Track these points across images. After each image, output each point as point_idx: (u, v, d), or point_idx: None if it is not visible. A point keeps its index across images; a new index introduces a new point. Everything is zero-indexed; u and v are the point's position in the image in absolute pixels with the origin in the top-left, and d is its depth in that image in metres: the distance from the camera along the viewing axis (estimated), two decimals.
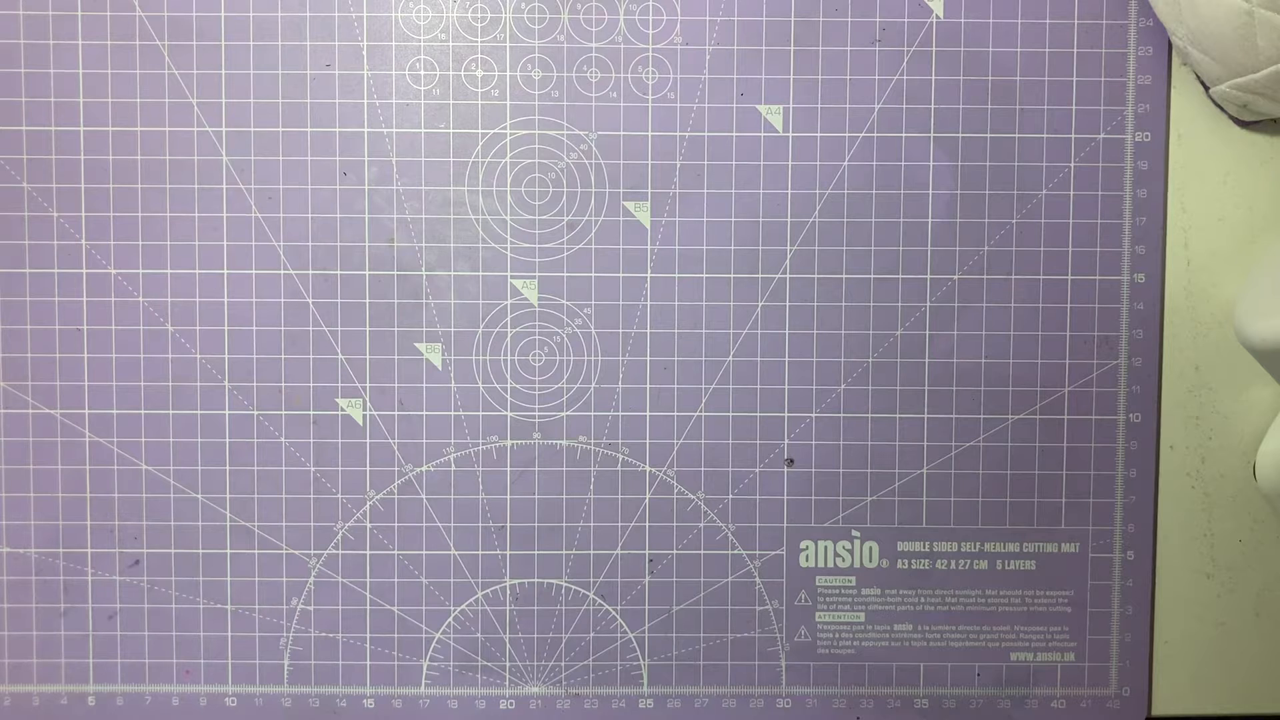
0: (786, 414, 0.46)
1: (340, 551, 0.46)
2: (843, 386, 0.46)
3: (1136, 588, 0.46)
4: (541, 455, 0.46)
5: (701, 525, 0.46)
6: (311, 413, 0.46)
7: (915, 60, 0.45)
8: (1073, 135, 0.45)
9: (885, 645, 0.46)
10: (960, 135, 0.45)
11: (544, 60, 0.45)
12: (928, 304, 0.45)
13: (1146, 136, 0.45)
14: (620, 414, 0.46)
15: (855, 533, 0.46)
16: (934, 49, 0.45)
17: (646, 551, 0.46)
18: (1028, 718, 0.47)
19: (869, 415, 0.46)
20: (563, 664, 0.47)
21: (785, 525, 0.46)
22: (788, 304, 0.45)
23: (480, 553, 0.46)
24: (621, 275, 0.45)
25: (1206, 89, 0.44)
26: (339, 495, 0.46)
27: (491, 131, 0.45)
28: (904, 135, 0.45)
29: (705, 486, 0.46)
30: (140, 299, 0.45)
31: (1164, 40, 0.45)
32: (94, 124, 0.45)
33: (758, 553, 0.46)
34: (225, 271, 0.45)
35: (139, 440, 0.46)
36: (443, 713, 0.46)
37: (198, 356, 0.45)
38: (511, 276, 0.45)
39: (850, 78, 0.45)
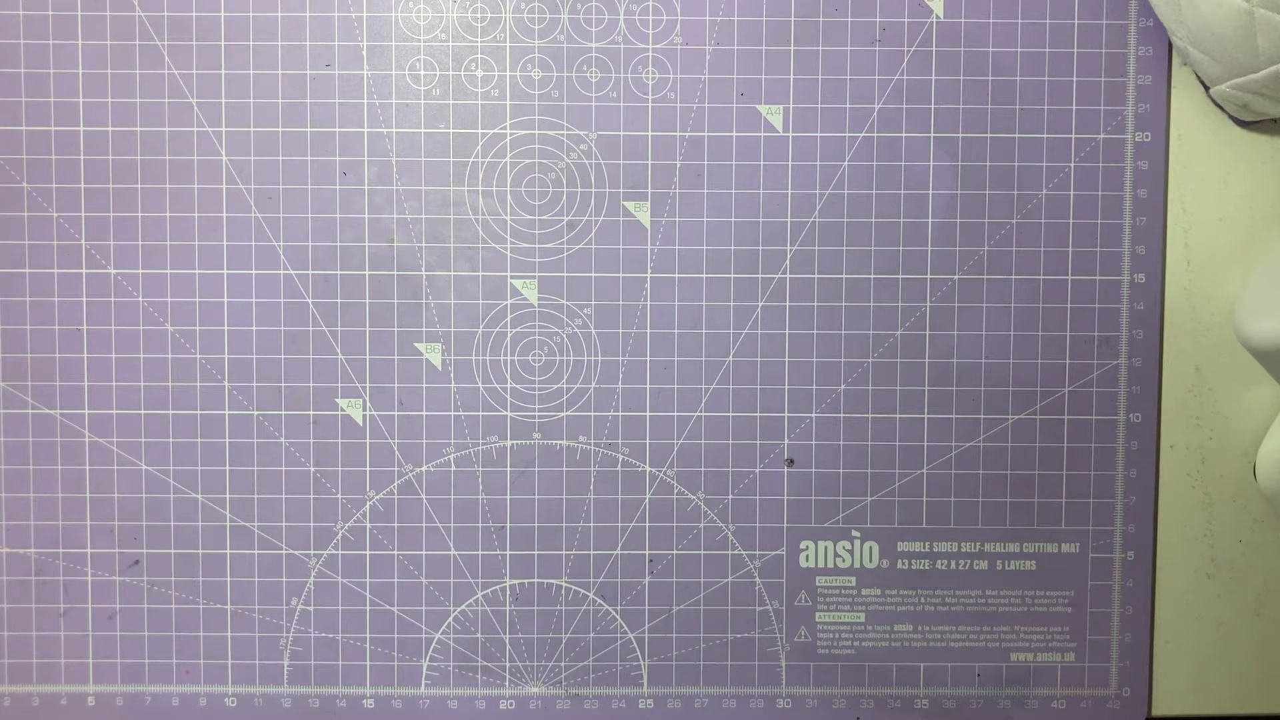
0: (786, 414, 0.46)
1: (340, 552, 0.46)
2: (843, 386, 0.46)
3: (1136, 588, 0.46)
4: (541, 455, 0.46)
5: (701, 525, 0.46)
6: (311, 413, 0.46)
7: (915, 60, 0.45)
8: (1073, 135, 0.45)
9: (885, 645, 0.46)
10: (960, 135, 0.45)
11: (544, 60, 0.45)
12: (928, 304, 0.45)
13: (1146, 136, 0.45)
14: (620, 414, 0.46)
15: (855, 533, 0.46)
16: (934, 49, 0.45)
17: (646, 552, 0.46)
18: (1028, 718, 0.47)
19: (869, 415, 0.46)
20: (563, 664, 0.47)
21: (785, 525, 0.46)
22: (788, 304, 0.45)
23: (480, 553, 0.46)
24: (621, 275, 0.45)
25: (1206, 89, 0.44)
26: (339, 495, 0.46)
27: (491, 131, 0.45)
28: (904, 135, 0.45)
29: (705, 487, 0.46)
30: (140, 299, 0.45)
31: (1164, 40, 0.45)
32: (94, 124, 0.45)
33: (758, 553, 0.46)
34: (225, 271, 0.45)
35: (139, 440, 0.46)
36: (443, 713, 0.46)
37: (198, 356, 0.45)
38: (511, 276, 0.45)
39: (850, 78, 0.45)
